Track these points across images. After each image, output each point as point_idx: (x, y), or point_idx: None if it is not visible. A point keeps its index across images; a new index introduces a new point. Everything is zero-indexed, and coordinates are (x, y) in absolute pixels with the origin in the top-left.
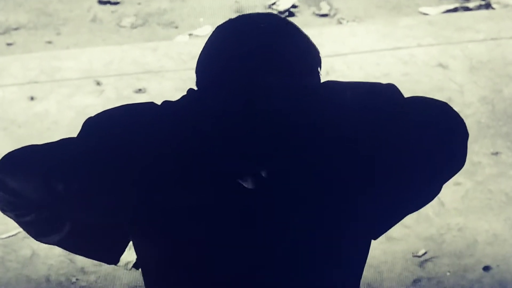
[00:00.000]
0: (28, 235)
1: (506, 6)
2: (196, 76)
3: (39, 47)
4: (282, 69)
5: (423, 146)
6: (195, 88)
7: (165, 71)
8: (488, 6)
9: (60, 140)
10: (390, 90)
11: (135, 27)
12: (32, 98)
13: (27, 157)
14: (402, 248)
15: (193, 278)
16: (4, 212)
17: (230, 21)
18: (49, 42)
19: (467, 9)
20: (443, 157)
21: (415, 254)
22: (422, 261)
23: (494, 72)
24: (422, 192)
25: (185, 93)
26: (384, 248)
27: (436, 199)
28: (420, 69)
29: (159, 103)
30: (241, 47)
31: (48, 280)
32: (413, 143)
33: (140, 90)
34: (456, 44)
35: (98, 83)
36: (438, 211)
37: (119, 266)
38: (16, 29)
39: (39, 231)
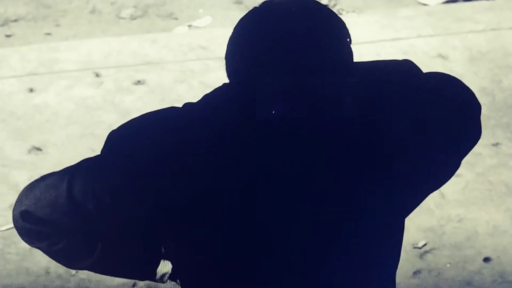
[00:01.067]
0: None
1: None
2: (226, 64)
3: (38, 39)
4: (320, 66)
5: (440, 120)
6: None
7: (165, 63)
8: None
9: (82, 160)
10: (407, 65)
11: (134, 19)
12: (31, 90)
13: (49, 183)
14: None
15: (235, 281)
16: (33, 245)
17: (262, 6)
18: (48, 34)
19: None
20: (460, 130)
21: (415, 246)
22: (422, 252)
23: (494, 63)
24: (442, 167)
25: (184, 84)
26: None
27: (436, 190)
28: (419, 59)
29: (158, 94)
30: (273, 35)
31: (47, 272)
32: (430, 117)
33: (139, 81)
34: (456, 35)
35: (97, 75)
36: (438, 203)
37: (157, 280)
38: (15, 20)
39: (72, 257)
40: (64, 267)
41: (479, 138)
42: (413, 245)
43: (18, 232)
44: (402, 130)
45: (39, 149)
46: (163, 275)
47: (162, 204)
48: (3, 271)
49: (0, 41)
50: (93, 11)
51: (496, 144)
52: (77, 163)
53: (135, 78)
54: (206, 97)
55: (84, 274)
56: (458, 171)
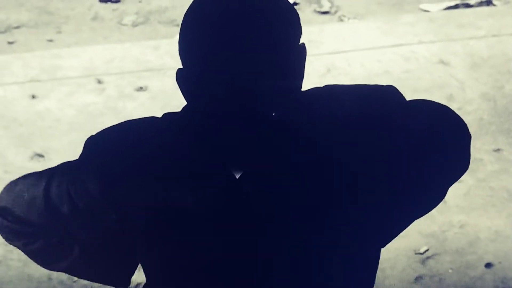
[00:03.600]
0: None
1: (507, 2)
2: (181, 57)
3: (40, 46)
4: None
5: (425, 150)
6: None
7: (167, 69)
8: (489, 2)
9: (62, 163)
10: (390, 92)
11: (136, 25)
12: (33, 97)
13: (28, 182)
14: (404, 245)
15: (199, 284)
16: (10, 242)
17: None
18: (50, 41)
19: (468, 5)
20: (447, 161)
21: (417, 251)
22: (424, 258)
23: (495, 69)
24: (426, 196)
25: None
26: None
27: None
28: (421, 66)
29: (160, 101)
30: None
31: (49, 278)
32: (415, 147)
33: (141, 88)
34: (457, 41)
35: (99, 81)
36: (440, 208)
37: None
38: (17, 27)
39: (47, 258)
40: (66, 274)
41: (467, 167)
42: (414, 251)
43: None
44: (386, 155)
45: (41, 155)
46: (138, 284)
47: (136, 210)
48: (5, 278)
49: (3, 48)
50: (95, 18)
51: (497, 150)
52: (57, 165)
53: (137, 85)
54: (184, 108)
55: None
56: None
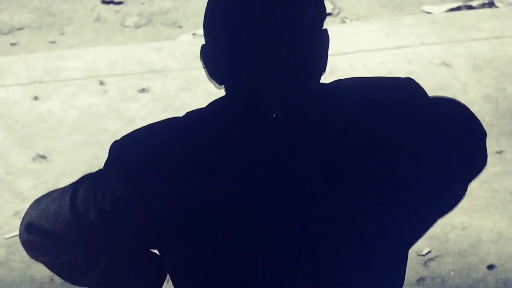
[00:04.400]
0: (63, 280)
1: (509, 4)
2: (206, 33)
3: (43, 47)
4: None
5: (445, 147)
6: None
7: (169, 71)
8: (491, 4)
9: (87, 174)
10: (414, 88)
11: (139, 27)
12: (36, 98)
13: (54, 195)
14: None
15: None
16: (37, 258)
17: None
18: (53, 42)
19: (470, 7)
20: (464, 157)
21: (419, 253)
22: (426, 260)
23: (498, 71)
24: (447, 195)
25: (189, 92)
26: None
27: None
28: (423, 67)
29: (163, 102)
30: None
31: (52, 280)
32: (435, 144)
33: (144, 89)
34: (460, 43)
35: (102, 83)
36: None
37: None
38: (20, 29)
39: (75, 271)
40: None
41: (485, 163)
42: (417, 252)
43: (23, 246)
44: (407, 154)
45: (43, 157)
46: None
47: (164, 212)
48: (7, 279)
49: (5, 49)
50: (97, 20)
51: (500, 152)
52: (82, 176)
53: (139, 86)
54: (209, 105)
55: None
56: None
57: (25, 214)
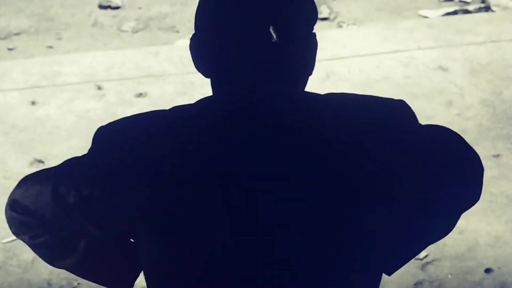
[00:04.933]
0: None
1: (505, 8)
2: (197, 21)
3: (40, 52)
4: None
5: (442, 177)
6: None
7: (166, 75)
8: (487, 8)
9: (72, 157)
10: (407, 111)
11: (136, 32)
12: (33, 103)
13: (39, 176)
14: None
15: (200, 283)
16: (18, 235)
17: None
18: (50, 47)
19: (466, 12)
20: (461, 189)
21: (417, 257)
22: (424, 263)
23: (494, 75)
24: (439, 224)
25: (186, 97)
26: None
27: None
28: (420, 72)
29: (160, 107)
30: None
31: (49, 284)
32: (428, 172)
33: (141, 94)
34: (456, 47)
35: (99, 88)
36: None
37: None
38: (17, 34)
39: (54, 253)
40: (66, 280)
41: (479, 197)
42: None
43: (7, 222)
44: (400, 184)
45: (41, 161)
46: (142, 287)
47: (143, 203)
48: (4, 283)
49: (3, 54)
50: (95, 24)
51: (497, 156)
52: (67, 159)
53: (137, 91)
54: (198, 101)
55: (86, 286)
56: None
57: (12, 192)
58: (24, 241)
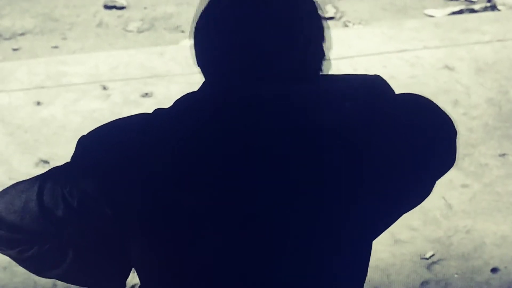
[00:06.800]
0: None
1: (511, 7)
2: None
3: (45, 52)
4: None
5: (412, 144)
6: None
7: (172, 75)
8: (493, 8)
9: (53, 167)
10: (381, 85)
11: (142, 32)
12: (38, 103)
13: (20, 188)
14: (410, 250)
15: (193, 283)
16: (4, 252)
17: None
18: (55, 47)
19: (472, 11)
20: (432, 155)
21: (423, 257)
22: (430, 263)
23: (501, 74)
24: (413, 191)
25: None
26: (391, 250)
27: (443, 201)
28: (426, 71)
29: (165, 107)
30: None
31: (55, 285)
32: (402, 141)
33: (146, 94)
34: (462, 46)
35: (105, 88)
36: (445, 214)
37: None
38: (22, 34)
39: (42, 265)
40: None
41: (453, 162)
42: (420, 256)
43: None
44: (375, 152)
45: (46, 162)
46: (133, 286)
47: (132, 208)
48: (10, 285)
49: (8, 55)
50: (100, 25)
51: (503, 155)
52: (49, 169)
53: (142, 91)
54: (175, 102)
55: None
56: (465, 182)
57: None
58: (10, 257)
